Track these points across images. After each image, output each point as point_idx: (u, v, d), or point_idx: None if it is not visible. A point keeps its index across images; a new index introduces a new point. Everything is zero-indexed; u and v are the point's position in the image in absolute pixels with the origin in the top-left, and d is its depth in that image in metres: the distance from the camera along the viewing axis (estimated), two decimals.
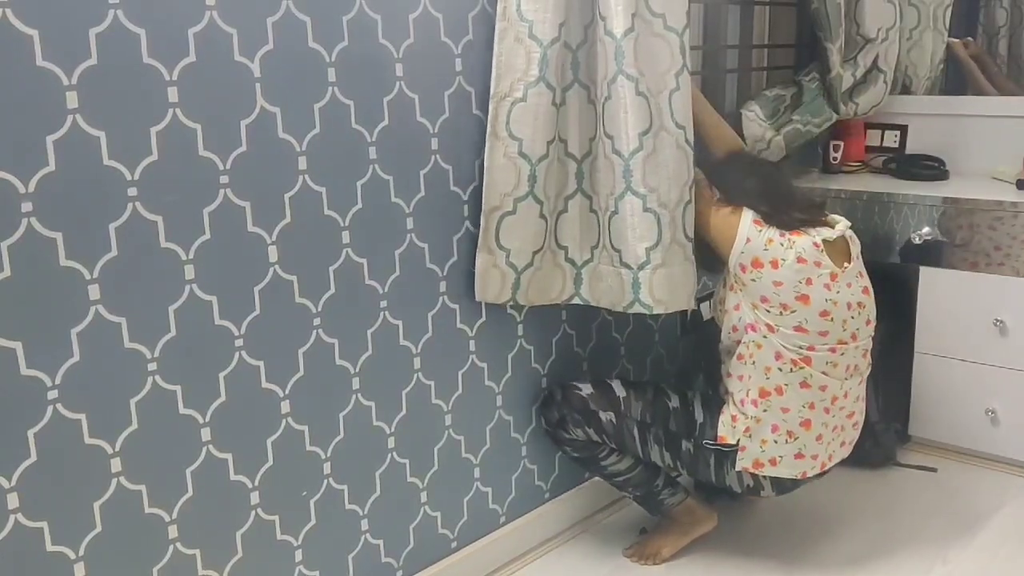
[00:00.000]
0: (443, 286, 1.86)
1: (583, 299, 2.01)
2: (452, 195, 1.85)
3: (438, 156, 1.80)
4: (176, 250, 1.44)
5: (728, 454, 1.95)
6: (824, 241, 1.87)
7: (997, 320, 2.38)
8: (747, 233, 1.87)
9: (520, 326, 2.05)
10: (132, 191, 1.38)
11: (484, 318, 1.96)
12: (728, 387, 1.97)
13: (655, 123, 1.85)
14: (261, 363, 1.58)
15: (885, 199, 2.56)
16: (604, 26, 1.82)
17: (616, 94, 1.84)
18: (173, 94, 1.40)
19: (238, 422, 1.57)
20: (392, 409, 1.81)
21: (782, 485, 1.99)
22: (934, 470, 2.50)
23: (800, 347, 1.87)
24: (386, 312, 1.76)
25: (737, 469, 1.95)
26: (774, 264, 1.85)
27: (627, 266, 1.91)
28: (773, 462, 1.93)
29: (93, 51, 1.31)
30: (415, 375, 1.84)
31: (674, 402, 2.01)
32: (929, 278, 2.48)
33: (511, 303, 1.93)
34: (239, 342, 1.55)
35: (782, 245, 1.85)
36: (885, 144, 2.94)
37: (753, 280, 1.87)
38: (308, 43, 1.56)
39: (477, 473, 2.02)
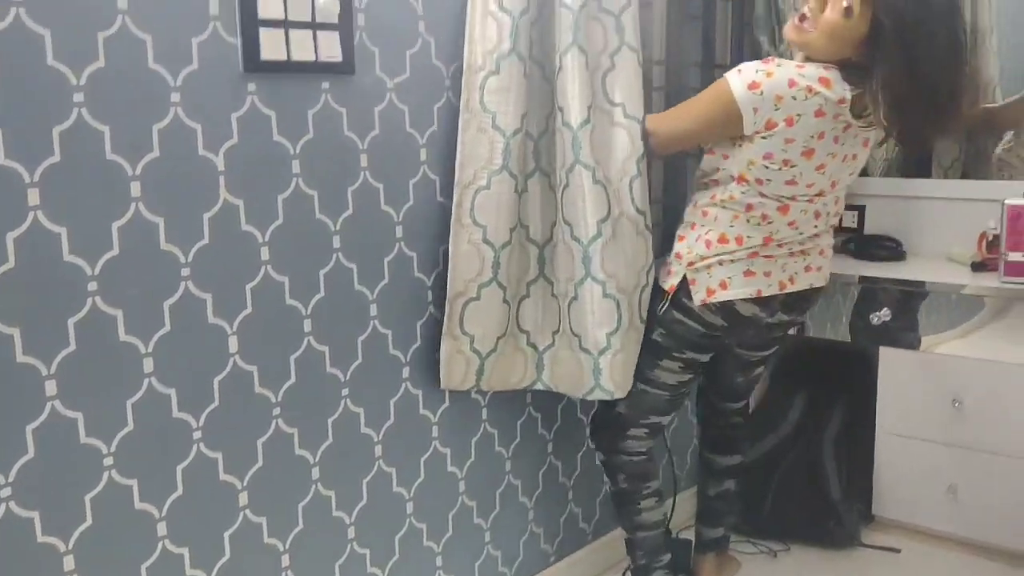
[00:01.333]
0: (406, 372, 1.86)
1: (544, 384, 2.02)
2: (416, 281, 1.86)
3: (402, 243, 1.82)
4: (135, 343, 1.44)
5: (683, 303, 1.91)
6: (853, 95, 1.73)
7: (956, 400, 2.42)
8: (747, 102, 1.74)
9: (484, 410, 2.05)
10: (92, 285, 1.37)
11: (447, 403, 1.96)
12: (681, 231, 1.95)
13: (614, 210, 1.88)
14: (219, 455, 1.57)
15: (845, 280, 2.60)
16: (562, 117, 1.87)
17: (574, 182, 1.87)
18: (136, 188, 1.41)
19: (195, 514, 1.54)
20: (353, 498, 1.80)
21: (738, 318, 1.92)
22: (897, 551, 2.51)
23: (781, 197, 1.82)
24: (347, 400, 1.76)
25: (696, 306, 1.89)
26: (788, 122, 1.73)
27: (587, 351, 1.92)
28: (724, 285, 1.88)
29: (56, 149, 1.32)
30: (376, 463, 1.83)
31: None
32: (889, 358, 2.52)
33: (475, 389, 1.93)
34: (197, 434, 1.53)
35: (795, 98, 1.71)
36: (844, 224, 2.99)
37: (764, 139, 1.76)
38: (273, 136, 1.58)
39: (439, 561, 1.99)
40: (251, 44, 1.53)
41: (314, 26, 1.61)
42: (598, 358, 1.91)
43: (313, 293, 1.67)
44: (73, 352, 1.36)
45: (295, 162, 1.62)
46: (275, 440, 1.64)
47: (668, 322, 1.95)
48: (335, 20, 1.64)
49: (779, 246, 1.89)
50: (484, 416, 2.05)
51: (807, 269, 1.95)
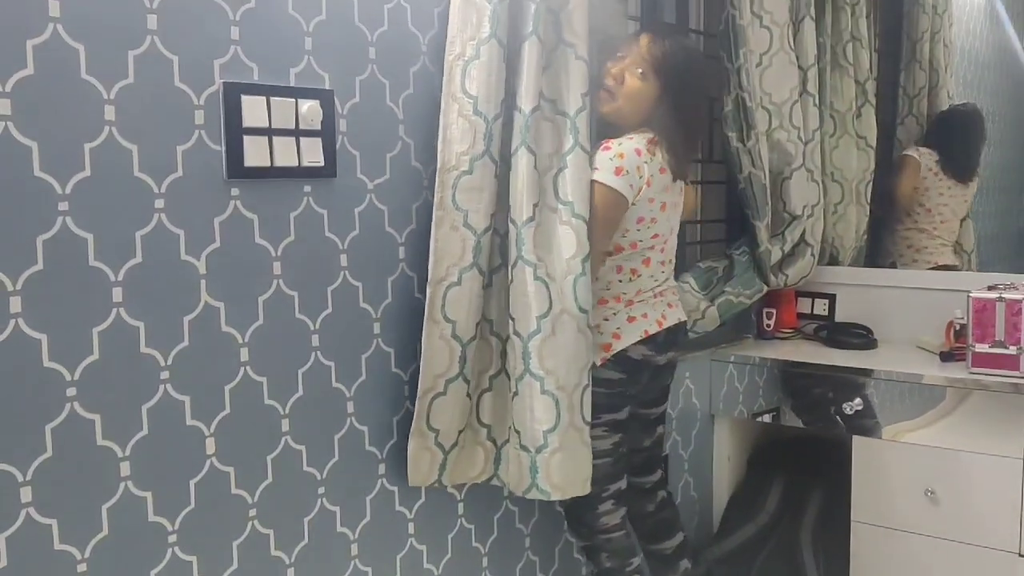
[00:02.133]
0: (382, 469, 1.87)
1: (500, 480, 2.00)
2: (393, 377, 1.88)
3: (380, 340, 1.84)
4: (112, 447, 1.44)
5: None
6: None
7: (929, 490, 2.44)
8: (623, 183, 1.96)
9: (460, 505, 2.05)
10: (71, 391, 1.38)
11: (423, 499, 1.96)
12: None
13: (555, 307, 1.89)
14: (194, 558, 1.56)
15: (817, 370, 2.64)
16: (510, 215, 1.91)
17: (517, 278, 1.90)
18: (118, 294, 1.43)
19: None
20: None
21: (633, 365, 2.08)
22: None
23: (644, 250, 2.07)
24: (324, 499, 1.76)
25: (598, 364, 2.03)
26: (648, 183, 2.00)
27: (526, 449, 1.91)
28: (617, 336, 2.06)
29: (39, 258, 1.34)
30: (352, 562, 1.82)
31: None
32: (862, 447, 2.54)
33: (436, 484, 1.92)
34: (172, 537, 1.52)
35: (647, 163, 1.99)
36: (816, 311, 3.05)
37: (634, 204, 2.01)
38: (255, 239, 1.61)
39: None
40: (235, 151, 1.57)
41: (297, 133, 1.66)
42: (535, 456, 1.90)
43: (291, 392, 1.69)
44: (49, 458, 1.36)
45: (276, 264, 1.65)
46: (251, 541, 1.63)
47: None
48: (318, 127, 1.68)
49: (650, 293, 2.13)
50: (460, 511, 2.05)
51: (669, 306, 2.17)
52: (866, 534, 2.55)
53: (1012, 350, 2.32)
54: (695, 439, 2.80)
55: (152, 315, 1.48)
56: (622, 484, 2.13)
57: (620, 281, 2.08)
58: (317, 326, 1.72)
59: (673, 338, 2.17)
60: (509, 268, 1.92)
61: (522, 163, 1.89)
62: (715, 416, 2.87)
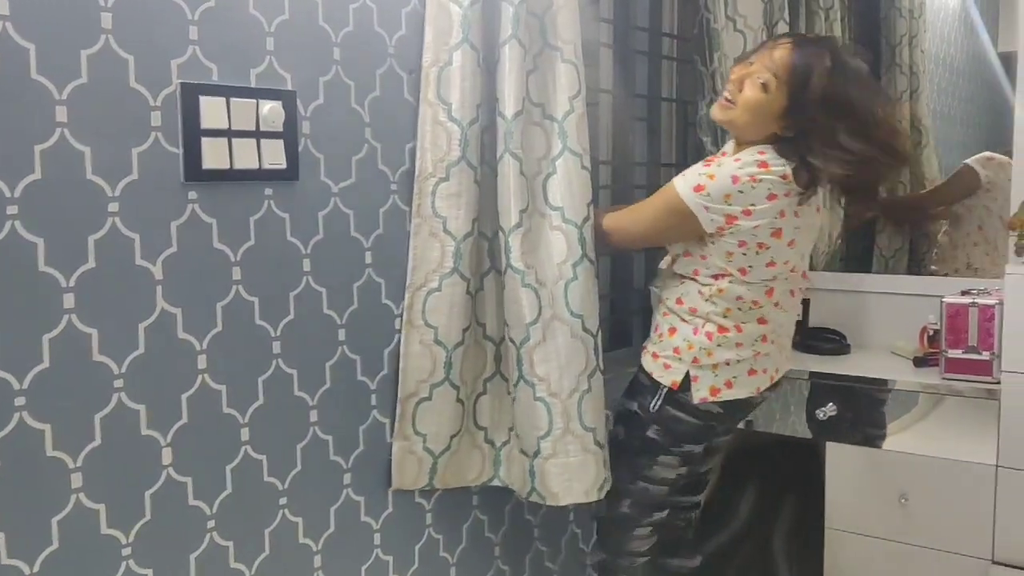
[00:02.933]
0: (348, 478, 1.83)
1: (502, 481, 2.00)
2: (359, 385, 1.84)
3: (345, 347, 1.80)
4: (63, 458, 1.39)
5: (679, 398, 1.94)
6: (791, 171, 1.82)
7: (902, 497, 2.42)
8: (696, 203, 1.83)
9: (429, 515, 2.01)
10: (20, 400, 1.34)
11: (391, 509, 1.92)
12: (670, 324, 1.96)
13: (545, 312, 1.88)
14: (150, 571, 1.51)
15: (791, 375, 2.62)
16: (499, 221, 1.89)
17: (507, 284, 1.89)
18: (69, 300, 1.39)
19: None
20: None
21: (737, 407, 2.00)
22: None
23: (764, 281, 1.89)
24: (285, 510, 1.72)
25: (695, 403, 1.92)
26: (746, 213, 1.81)
27: (524, 453, 1.92)
28: (729, 384, 1.93)
29: None
30: (315, 574, 1.78)
31: (619, 433, 2.05)
32: (835, 454, 2.52)
33: (428, 487, 1.91)
34: (127, 550, 1.48)
35: (742, 192, 1.80)
36: None
37: (731, 233, 1.83)
38: (214, 244, 1.57)
39: None
40: (193, 153, 1.53)
41: (258, 134, 1.62)
42: (532, 461, 1.90)
43: (251, 401, 1.65)
44: None
45: (236, 269, 1.61)
46: (209, 553, 1.59)
47: (663, 418, 1.97)
48: (280, 128, 1.65)
49: (772, 342, 1.97)
50: (429, 521, 2.01)
51: (787, 358, 2.08)
52: (840, 541, 2.53)
53: (985, 356, 2.31)
54: None
55: (105, 322, 1.43)
56: (664, 514, 2.09)
57: (740, 310, 1.90)
58: (278, 333, 1.68)
59: (778, 385, 2.08)
60: (501, 274, 1.90)
61: (507, 169, 1.86)
62: None
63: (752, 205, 1.80)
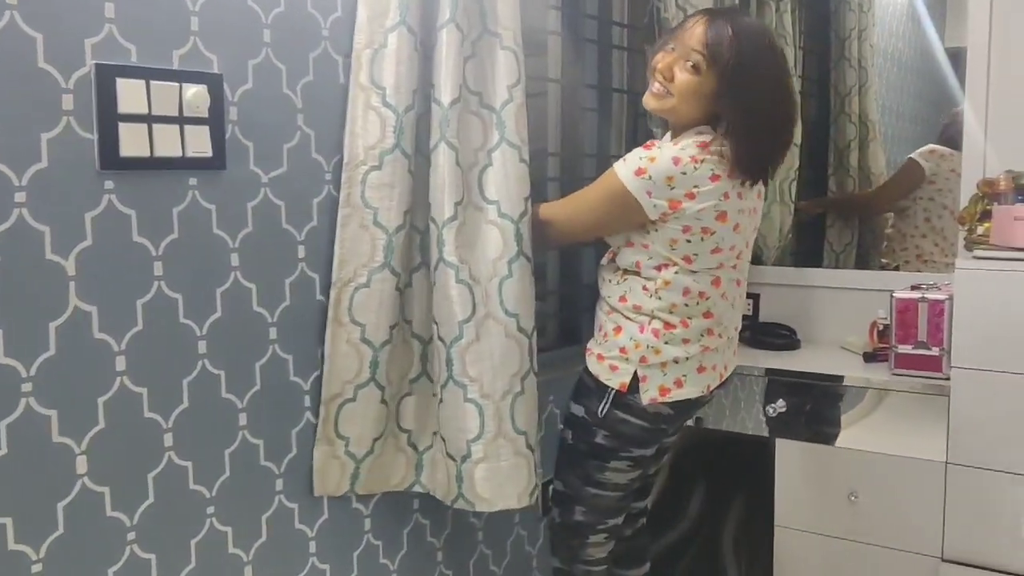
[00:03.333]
0: (280, 484, 1.74)
1: (423, 487, 1.92)
2: (292, 386, 1.75)
3: (277, 346, 1.71)
4: None
5: (627, 401, 1.87)
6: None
7: (852, 494, 2.40)
8: (638, 187, 1.76)
9: (367, 520, 1.93)
10: None
11: (326, 515, 1.83)
12: (615, 323, 1.89)
13: (479, 310, 1.81)
14: None
15: (741, 371, 2.58)
16: (431, 213, 1.81)
17: (439, 280, 1.81)
18: None
19: None
20: None
21: (686, 407, 1.94)
22: None
23: (710, 269, 1.83)
24: (213, 519, 1.62)
25: (644, 404, 1.85)
26: (690, 196, 1.75)
27: (451, 457, 1.84)
28: (679, 383, 1.87)
29: None
30: None
31: (567, 437, 1.99)
32: (785, 451, 2.49)
33: (350, 493, 1.82)
34: (37, 567, 1.38)
35: (684, 173, 1.73)
36: None
37: (676, 218, 1.77)
38: (133, 237, 1.47)
39: None
40: (109, 140, 1.43)
41: (181, 120, 1.52)
42: (460, 465, 1.83)
43: (175, 404, 1.55)
44: None
45: (157, 264, 1.50)
46: (131, 567, 1.49)
47: (611, 422, 1.90)
48: (205, 114, 1.55)
49: (719, 336, 1.91)
50: (367, 527, 1.93)
51: (734, 353, 2.01)
52: (789, 539, 2.50)
53: (935, 351, 2.29)
54: None
55: (12, 321, 1.33)
56: (619, 519, 2.04)
57: (687, 305, 1.84)
58: (204, 332, 1.58)
59: (727, 382, 2.02)
60: (431, 269, 1.82)
61: (442, 159, 1.78)
62: None
63: (695, 187, 1.75)
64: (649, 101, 1.85)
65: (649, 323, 1.85)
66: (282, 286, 1.71)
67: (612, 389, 1.87)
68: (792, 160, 3.03)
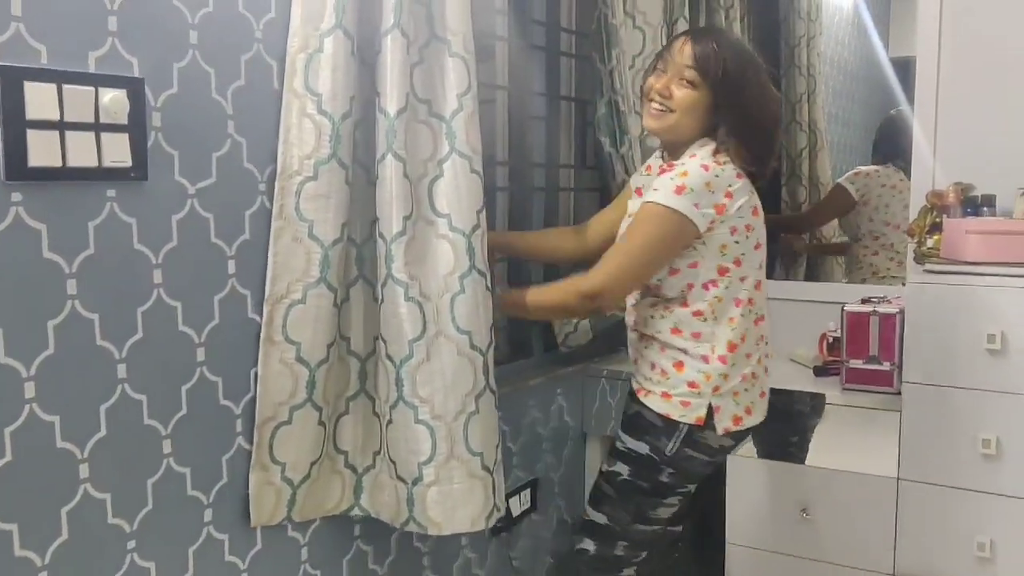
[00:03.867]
0: (209, 515, 1.63)
1: (363, 510, 1.84)
2: (222, 410, 1.64)
3: (205, 368, 1.60)
4: None
5: (696, 437, 1.85)
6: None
7: (803, 510, 2.36)
8: (685, 204, 1.75)
9: (304, 549, 1.83)
10: None
11: (260, 546, 1.73)
12: (673, 359, 1.86)
13: (430, 329, 1.74)
14: None
15: None
16: (379, 227, 1.73)
17: (388, 297, 1.73)
18: None
19: None
20: None
21: (742, 437, 1.96)
22: None
23: (755, 270, 1.86)
24: (134, 554, 1.51)
25: (719, 434, 1.85)
26: (728, 195, 1.78)
27: (402, 480, 1.77)
28: (749, 411, 1.89)
29: None
30: None
31: (622, 472, 1.93)
32: (735, 466, 2.45)
33: (286, 521, 1.73)
34: None
35: (718, 176, 1.78)
36: None
37: (722, 222, 1.79)
38: (43, 253, 1.35)
39: None
40: (16, 148, 1.31)
41: (98, 127, 1.41)
42: (412, 488, 1.76)
43: (91, 433, 1.43)
44: None
45: (71, 282, 1.39)
46: None
47: (679, 460, 1.87)
48: (124, 121, 1.44)
49: (767, 343, 1.94)
50: (304, 556, 1.83)
51: (766, 371, 1.98)
52: (741, 556, 2.46)
53: (886, 366, 2.27)
54: (566, 461, 2.66)
55: None
56: (647, 553, 2.01)
57: (743, 316, 1.83)
58: (124, 355, 1.47)
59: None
60: (379, 286, 1.75)
61: (389, 171, 1.71)
62: (587, 434, 2.73)
63: (730, 186, 1.79)
64: (650, 122, 1.87)
65: (713, 351, 1.83)
66: (210, 304, 1.61)
67: (686, 425, 1.84)
68: None
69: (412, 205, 1.73)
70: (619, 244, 1.88)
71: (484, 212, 1.82)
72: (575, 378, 2.67)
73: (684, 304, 1.84)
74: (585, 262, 1.98)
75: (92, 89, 1.40)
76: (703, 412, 1.83)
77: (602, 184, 2.72)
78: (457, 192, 1.78)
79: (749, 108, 1.83)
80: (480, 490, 1.79)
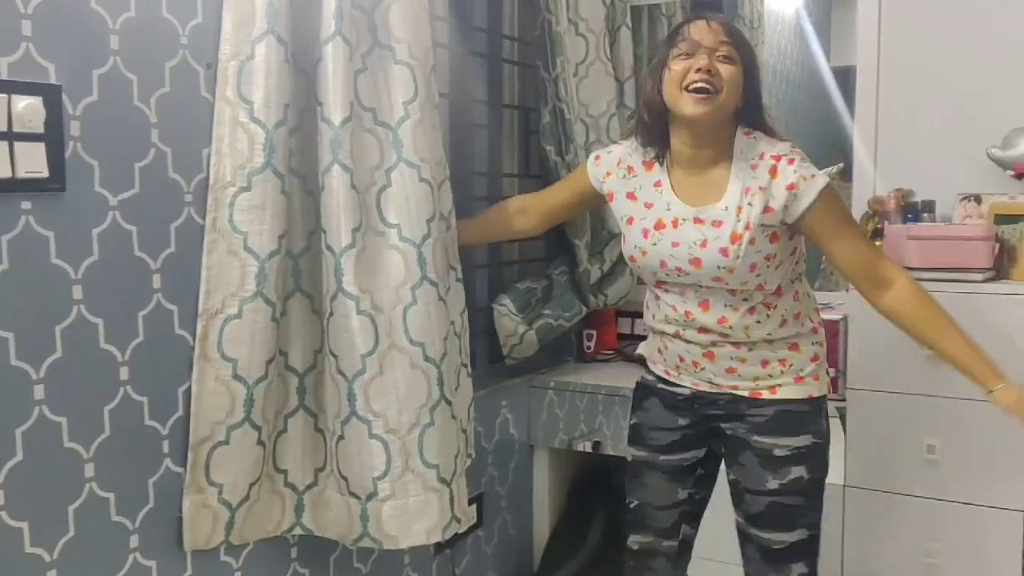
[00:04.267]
0: (135, 540, 1.56)
1: (306, 529, 1.79)
2: (147, 431, 1.57)
3: (129, 387, 1.53)
4: None
5: (825, 402, 1.83)
6: None
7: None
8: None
9: (237, 574, 1.76)
10: None
11: (189, 571, 1.66)
12: (787, 342, 1.77)
13: (382, 342, 1.70)
14: None
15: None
16: (325, 239, 1.68)
17: (338, 311, 1.69)
18: None
19: None
20: None
21: None
22: None
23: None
24: None
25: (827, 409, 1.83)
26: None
27: (355, 496, 1.73)
28: (828, 371, 1.88)
29: None
30: None
31: (801, 474, 1.78)
32: None
33: (224, 545, 1.66)
34: None
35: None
36: (636, 332, 2.94)
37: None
38: None
39: None
40: None
41: (11, 136, 1.34)
42: (366, 504, 1.72)
43: (7, 457, 1.36)
44: None
45: None
46: None
47: (830, 432, 1.82)
48: (40, 129, 1.37)
49: None
50: None
51: None
52: (690, 566, 2.43)
53: (830, 373, 2.26)
54: (513, 473, 2.62)
55: None
56: None
57: (807, 282, 1.85)
58: (41, 375, 1.40)
59: None
60: (327, 300, 1.70)
61: (336, 182, 1.67)
62: (534, 447, 2.69)
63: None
64: (698, 108, 1.65)
65: (812, 320, 1.81)
66: (135, 320, 1.54)
67: (824, 395, 1.82)
68: None
69: (361, 216, 1.70)
70: (853, 231, 1.75)
71: (436, 220, 1.78)
72: (521, 390, 2.63)
73: (780, 293, 1.75)
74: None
75: (5, 96, 1.33)
76: (828, 378, 1.85)
77: (547, 255, 2.70)
78: (407, 202, 1.74)
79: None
80: (436, 503, 1.75)
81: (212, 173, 1.61)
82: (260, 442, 1.67)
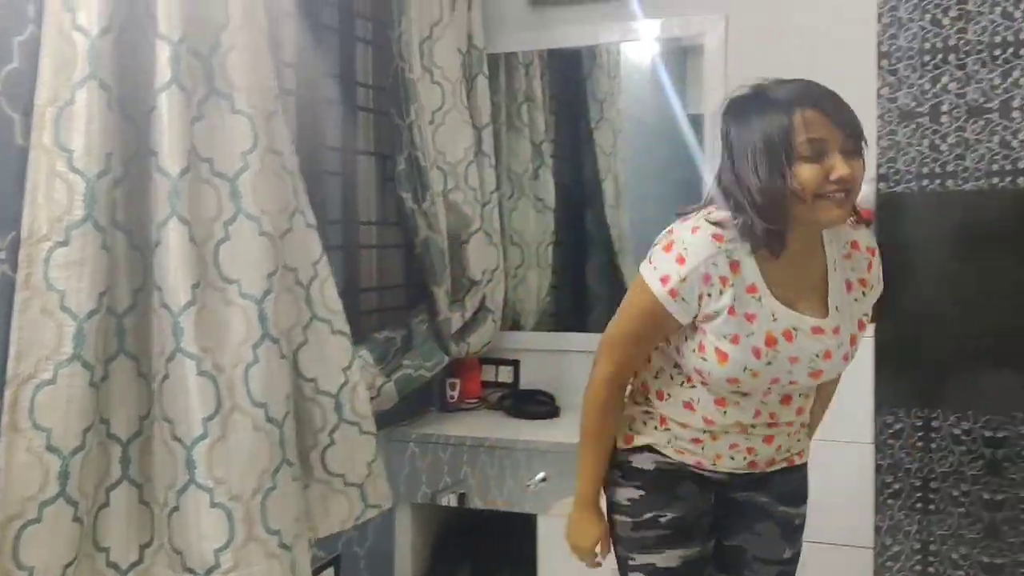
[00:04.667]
0: None
1: None
2: None
3: None
4: None
5: None
6: None
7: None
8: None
9: None
10: None
11: None
12: (803, 422, 1.68)
13: (224, 404, 1.63)
14: None
15: (501, 443, 2.48)
16: (160, 297, 1.60)
17: (175, 373, 1.61)
18: None
19: None
20: None
21: None
22: None
23: None
24: None
25: None
26: None
27: (191, 572, 1.64)
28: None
29: None
30: None
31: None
32: (548, 527, 2.40)
33: None
34: None
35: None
36: (501, 379, 2.92)
37: None
38: None
39: None
40: None
41: None
42: None
43: None
44: None
45: None
46: None
47: None
48: None
49: None
50: None
51: None
52: None
53: None
54: (373, 532, 2.52)
55: None
56: None
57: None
58: None
59: None
60: (163, 361, 1.62)
61: (174, 236, 1.60)
62: (396, 503, 2.61)
63: None
64: (839, 213, 1.43)
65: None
66: None
67: None
68: (547, 224, 3.01)
69: (200, 272, 1.63)
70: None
71: (278, 275, 1.73)
72: (380, 443, 2.55)
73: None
74: None
75: None
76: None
77: (406, 240, 2.65)
78: (247, 256, 1.70)
79: None
80: (278, 570, 1.69)
81: (26, 225, 1.51)
82: (77, 518, 1.54)
